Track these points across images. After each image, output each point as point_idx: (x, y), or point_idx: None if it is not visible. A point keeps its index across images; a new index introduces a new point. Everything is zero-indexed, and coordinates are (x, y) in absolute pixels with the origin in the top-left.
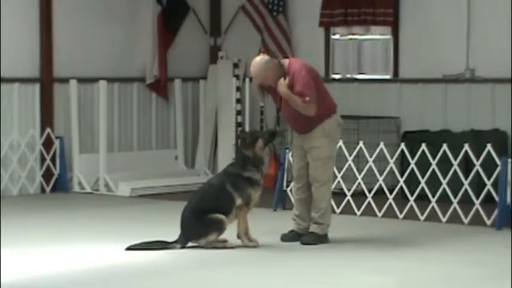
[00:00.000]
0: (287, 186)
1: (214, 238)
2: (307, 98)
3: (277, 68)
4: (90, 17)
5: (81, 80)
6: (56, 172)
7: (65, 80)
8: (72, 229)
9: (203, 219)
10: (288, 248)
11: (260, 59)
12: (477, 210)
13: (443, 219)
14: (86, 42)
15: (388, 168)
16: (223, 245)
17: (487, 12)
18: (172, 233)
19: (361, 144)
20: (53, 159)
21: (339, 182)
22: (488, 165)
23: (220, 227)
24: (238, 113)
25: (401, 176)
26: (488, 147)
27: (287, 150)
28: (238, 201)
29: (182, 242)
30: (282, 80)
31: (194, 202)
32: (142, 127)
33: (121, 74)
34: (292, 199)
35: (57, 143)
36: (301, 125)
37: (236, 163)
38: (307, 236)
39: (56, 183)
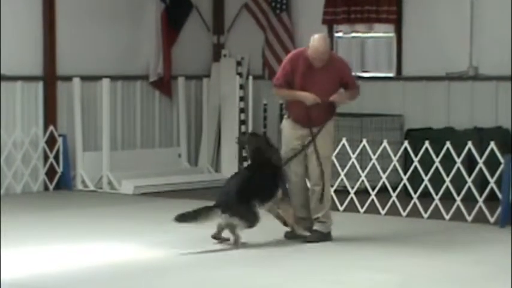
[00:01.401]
0: None
1: (241, 229)
2: (357, 84)
3: None
4: (93, 15)
5: (84, 78)
6: (59, 170)
7: (68, 78)
8: (75, 227)
9: (247, 205)
10: (291, 245)
11: (325, 38)
12: (480, 208)
13: (447, 217)
14: (89, 40)
15: (391, 166)
16: (236, 240)
17: (491, 9)
18: (176, 231)
19: (364, 142)
20: (56, 157)
21: (342, 179)
22: (492, 163)
23: (252, 223)
24: (242, 110)
25: (405, 173)
26: (492, 145)
27: None
28: (279, 193)
29: (222, 209)
30: (337, 96)
31: (242, 182)
32: (145, 125)
33: (124, 72)
34: None
35: (60, 141)
36: (317, 115)
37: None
38: (311, 234)
39: (59, 181)
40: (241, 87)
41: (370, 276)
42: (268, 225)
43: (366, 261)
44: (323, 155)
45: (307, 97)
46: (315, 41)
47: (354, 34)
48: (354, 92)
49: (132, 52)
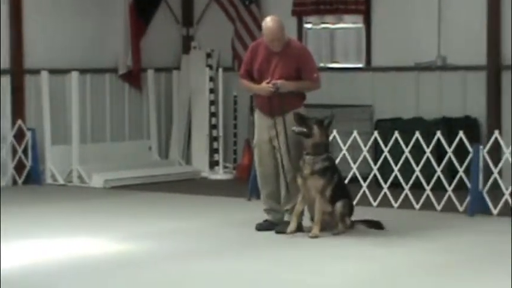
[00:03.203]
0: None
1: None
2: (315, 75)
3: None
4: (62, 7)
5: (52, 71)
6: (28, 164)
7: (36, 71)
8: (45, 222)
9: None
10: (263, 237)
11: (277, 18)
12: (449, 197)
13: (417, 206)
14: (57, 33)
15: (361, 157)
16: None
17: (458, 0)
18: (147, 224)
19: (334, 132)
20: (24, 151)
21: None
22: (460, 152)
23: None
24: (212, 103)
25: (375, 164)
26: (460, 134)
27: None
28: None
29: None
30: (280, 81)
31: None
32: (115, 118)
33: (93, 64)
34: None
35: (29, 134)
36: (277, 104)
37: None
38: (282, 225)
39: (28, 175)
40: (211, 79)
41: (344, 265)
42: (240, 216)
43: (339, 251)
44: (291, 144)
45: (262, 88)
46: (267, 22)
47: (323, 25)
48: (307, 83)
49: (101, 45)
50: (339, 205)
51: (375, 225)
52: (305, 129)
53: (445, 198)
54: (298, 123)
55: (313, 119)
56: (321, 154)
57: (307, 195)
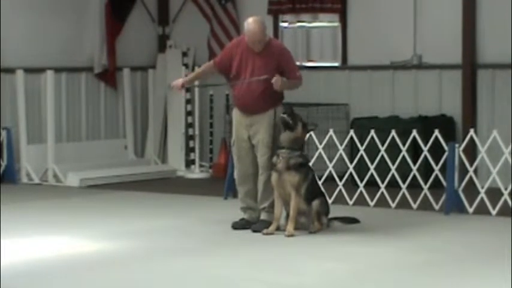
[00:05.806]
0: None
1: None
2: (298, 73)
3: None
4: (37, 6)
5: (28, 70)
6: (3, 163)
7: (11, 70)
8: (20, 221)
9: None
10: (239, 235)
11: (259, 19)
12: (425, 195)
13: (393, 205)
14: (32, 32)
15: (337, 155)
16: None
17: None
18: (123, 223)
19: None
20: None
21: None
22: (436, 151)
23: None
24: (188, 101)
25: (351, 162)
26: (436, 132)
27: None
28: None
29: None
30: (277, 78)
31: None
32: (91, 117)
33: (69, 63)
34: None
35: (4, 133)
36: (256, 103)
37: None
38: (258, 224)
39: (4, 174)
40: None
41: (319, 264)
42: (216, 215)
43: (313, 250)
44: (266, 145)
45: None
46: (250, 24)
47: (299, 24)
48: (293, 81)
49: (77, 44)
50: (315, 203)
51: (351, 221)
52: (291, 121)
53: (421, 196)
54: (288, 113)
55: (299, 116)
56: (296, 150)
57: (282, 191)
